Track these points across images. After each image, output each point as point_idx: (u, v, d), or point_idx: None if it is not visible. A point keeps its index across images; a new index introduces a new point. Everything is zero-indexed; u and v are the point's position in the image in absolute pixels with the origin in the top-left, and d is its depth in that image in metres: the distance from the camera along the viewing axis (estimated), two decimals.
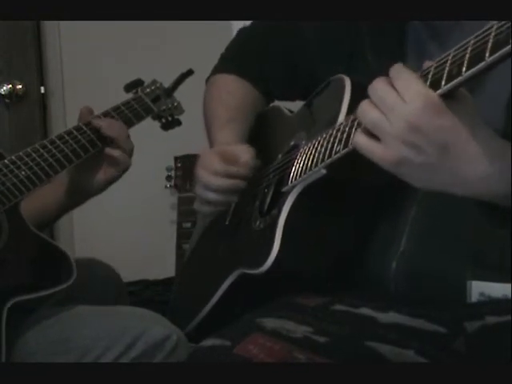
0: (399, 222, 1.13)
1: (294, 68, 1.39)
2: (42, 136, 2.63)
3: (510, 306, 1.05)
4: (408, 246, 1.11)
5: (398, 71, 0.92)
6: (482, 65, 0.84)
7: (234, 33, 1.56)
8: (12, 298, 1.33)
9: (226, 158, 1.32)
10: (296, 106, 1.43)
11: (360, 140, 0.95)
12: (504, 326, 1.05)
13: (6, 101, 2.56)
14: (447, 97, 0.89)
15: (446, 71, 0.88)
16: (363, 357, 1.04)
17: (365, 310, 1.13)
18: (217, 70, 1.55)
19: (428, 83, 0.90)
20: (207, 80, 1.57)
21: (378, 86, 0.93)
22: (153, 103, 1.73)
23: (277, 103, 1.53)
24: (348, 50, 1.23)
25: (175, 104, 1.81)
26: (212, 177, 1.31)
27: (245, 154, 1.32)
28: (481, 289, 1.07)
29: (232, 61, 1.52)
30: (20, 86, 2.56)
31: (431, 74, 0.90)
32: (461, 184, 0.94)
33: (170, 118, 1.82)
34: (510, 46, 0.81)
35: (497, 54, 0.82)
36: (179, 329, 1.41)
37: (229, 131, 1.40)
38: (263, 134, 1.46)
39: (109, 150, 1.50)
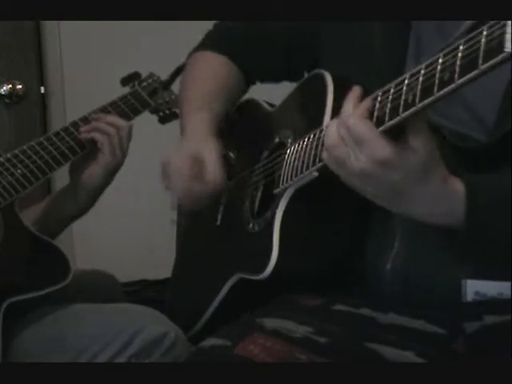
0: (392, 224, 1.12)
1: (296, 58, 1.34)
2: (41, 136, 2.62)
3: (509, 306, 1.05)
4: (401, 247, 1.11)
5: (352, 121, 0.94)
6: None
7: None
8: (8, 298, 1.33)
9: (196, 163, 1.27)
10: (271, 97, 1.38)
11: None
12: (503, 326, 1.05)
13: (6, 101, 2.55)
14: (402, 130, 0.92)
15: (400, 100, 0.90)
16: (363, 357, 1.04)
17: (365, 311, 1.13)
18: (201, 46, 1.44)
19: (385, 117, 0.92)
20: (189, 55, 1.46)
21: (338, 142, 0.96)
22: (150, 97, 1.72)
23: (251, 95, 1.45)
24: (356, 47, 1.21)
25: (172, 97, 1.78)
26: (192, 182, 1.29)
27: (211, 162, 1.27)
28: (476, 287, 1.07)
29: (220, 39, 1.42)
30: (20, 86, 2.55)
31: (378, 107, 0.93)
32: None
33: (167, 111, 1.80)
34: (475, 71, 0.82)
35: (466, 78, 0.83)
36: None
37: (200, 118, 1.32)
38: (242, 128, 1.41)
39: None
